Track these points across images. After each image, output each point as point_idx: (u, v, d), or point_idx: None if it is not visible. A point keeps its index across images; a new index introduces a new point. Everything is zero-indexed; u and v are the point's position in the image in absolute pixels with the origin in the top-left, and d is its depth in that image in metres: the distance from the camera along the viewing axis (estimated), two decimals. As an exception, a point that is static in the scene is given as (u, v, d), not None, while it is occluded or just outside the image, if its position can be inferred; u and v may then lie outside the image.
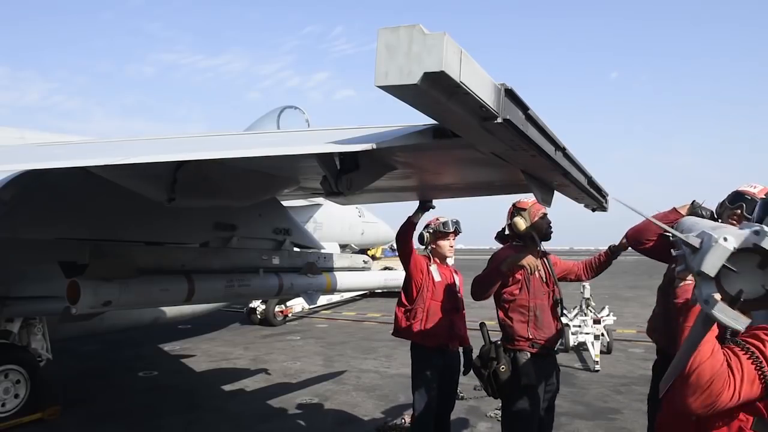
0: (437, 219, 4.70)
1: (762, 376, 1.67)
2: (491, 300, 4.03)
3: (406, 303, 4.60)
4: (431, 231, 4.66)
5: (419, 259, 4.62)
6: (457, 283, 4.71)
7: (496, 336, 4.00)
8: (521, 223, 3.90)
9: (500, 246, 4.17)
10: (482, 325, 4.07)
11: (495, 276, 3.81)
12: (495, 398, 3.99)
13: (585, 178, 2.98)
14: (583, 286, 10.01)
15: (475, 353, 4.17)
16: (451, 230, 4.63)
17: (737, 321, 1.21)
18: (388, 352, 9.70)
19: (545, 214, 3.93)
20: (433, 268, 4.61)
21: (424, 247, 4.73)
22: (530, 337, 3.75)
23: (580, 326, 9.22)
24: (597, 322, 9.22)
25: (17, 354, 5.98)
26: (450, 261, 4.95)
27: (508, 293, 3.86)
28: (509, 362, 3.75)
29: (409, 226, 4.55)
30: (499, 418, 5.95)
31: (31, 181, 3.95)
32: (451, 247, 4.74)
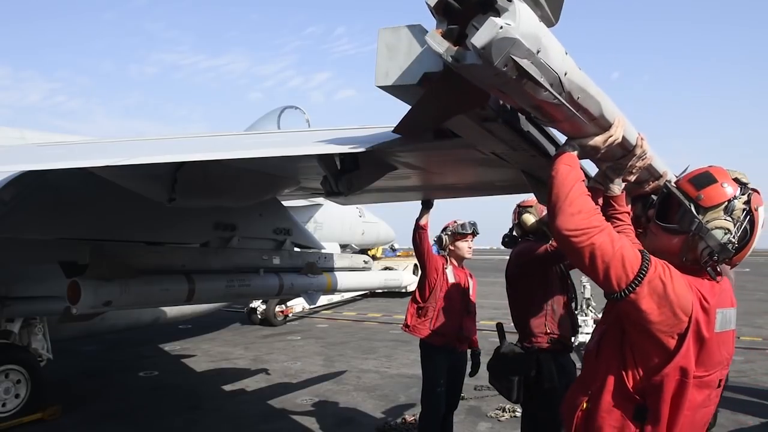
0: (455, 221, 4.79)
1: (644, 258, 1.78)
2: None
3: (419, 300, 4.71)
4: (450, 233, 4.77)
5: (435, 258, 4.72)
6: (471, 286, 4.80)
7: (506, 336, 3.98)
8: (531, 219, 3.97)
9: (509, 250, 4.18)
10: (499, 325, 4.04)
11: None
12: (518, 403, 3.93)
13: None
14: (584, 286, 10.00)
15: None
16: (469, 232, 4.74)
17: (440, 44, 1.34)
18: (388, 352, 9.69)
19: None
20: (449, 269, 4.71)
21: (442, 249, 4.83)
22: (548, 331, 3.75)
23: (580, 326, 9.22)
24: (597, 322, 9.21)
25: (18, 354, 5.99)
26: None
27: (526, 289, 3.87)
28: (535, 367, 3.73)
29: (417, 228, 4.67)
30: (500, 419, 6.00)
31: (31, 181, 3.95)
32: (470, 248, 4.85)
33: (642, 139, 1.96)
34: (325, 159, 2.83)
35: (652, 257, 1.80)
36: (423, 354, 4.67)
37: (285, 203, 6.09)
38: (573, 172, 1.79)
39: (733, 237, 1.83)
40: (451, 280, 4.66)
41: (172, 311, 8.00)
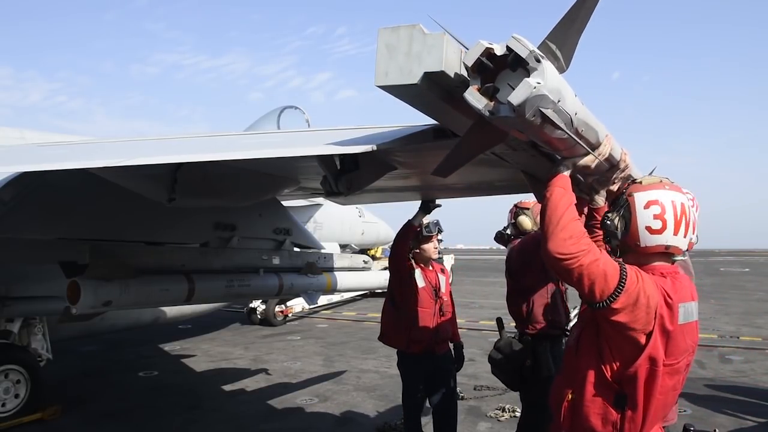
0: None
1: (621, 269, 1.99)
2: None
3: (391, 310, 4.56)
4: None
5: (407, 265, 4.53)
6: (443, 284, 4.63)
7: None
8: (527, 222, 4.10)
9: (501, 246, 4.26)
10: (499, 319, 4.12)
11: None
12: (516, 390, 4.09)
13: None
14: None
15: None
16: (435, 232, 4.53)
17: (479, 101, 1.53)
18: (388, 352, 9.65)
19: None
20: (417, 273, 4.50)
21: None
22: (549, 318, 3.92)
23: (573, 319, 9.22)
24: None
25: (17, 354, 5.98)
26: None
27: (530, 280, 3.99)
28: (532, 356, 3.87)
29: (408, 229, 4.47)
30: (500, 419, 6.00)
31: (30, 181, 3.95)
32: (436, 248, 4.65)
33: (625, 154, 2.21)
34: (324, 159, 2.83)
35: (627, 267, 2.03)
36: (401, 363, 4.56)
37: (285, 203, 6.09)
38: (566, 195, 1.99)
39: (610, 219, 2.17)
40: (421, 284, 4.45)
41: (172, 311, 8.00)
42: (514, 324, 4.14)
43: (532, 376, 3.84)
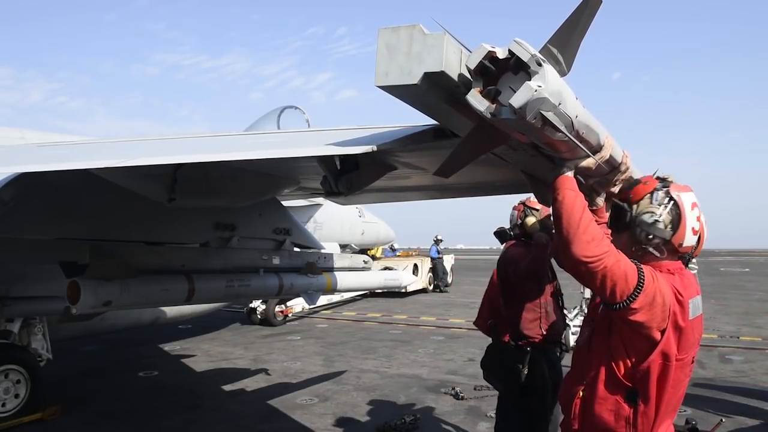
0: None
1: (639, 270, 2.00)
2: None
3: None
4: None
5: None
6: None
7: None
8: (533, 221, 3.97)
9: (500, 245, 4.23)
10: (492, 324, 4.13)
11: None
12: (512, 395, 4.04)
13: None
14: (584, 286, 10.02)
15: (483, 347, 4.18)
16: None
17: (480, 103, 1.56)
18: (388, 352, 9.69)
19: None
20: None
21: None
22: (543, 332, 3.89)
23: (580, 326, 9.22)
24: (597, 322, 9.21)
25: (17, 354, 5.98)
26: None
27: (522, 293, 3.92)
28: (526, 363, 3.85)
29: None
30: (500, 419, 5.98)
31: (30, 182, 3.95)
32: None
33: (626, 156, 2.23)
34: (325, 159, 2.83)
35: (643, 267, 2.03)
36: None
37: (285, 203, 6.09)
38: (579, 198, 1.97)
39: (659, 217, 2.09)
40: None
41: (172, 311, 8.00)
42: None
43: (525, 384, 3.83)
